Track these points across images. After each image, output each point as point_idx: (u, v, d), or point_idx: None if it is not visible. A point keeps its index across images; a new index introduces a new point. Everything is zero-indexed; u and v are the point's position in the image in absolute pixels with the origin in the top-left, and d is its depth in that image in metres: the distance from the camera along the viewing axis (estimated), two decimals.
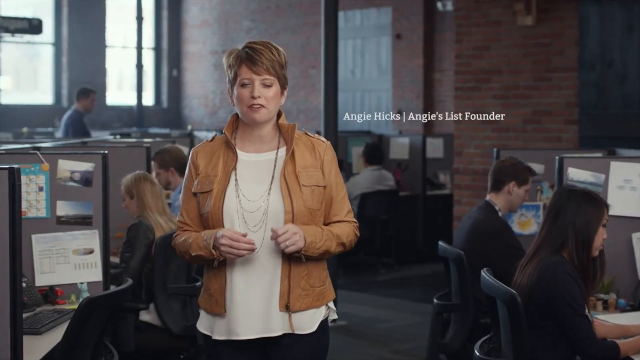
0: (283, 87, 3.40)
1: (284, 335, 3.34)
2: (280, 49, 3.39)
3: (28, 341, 3.69)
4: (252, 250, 3.25)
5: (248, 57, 3.33)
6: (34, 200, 4.63)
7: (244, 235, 3.24)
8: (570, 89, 8.79)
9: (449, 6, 13.47)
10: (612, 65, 8.52)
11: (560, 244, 3.91)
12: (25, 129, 13.76)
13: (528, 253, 4.03)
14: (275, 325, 3.32)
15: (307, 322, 3.37)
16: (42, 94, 17.51)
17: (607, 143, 7.90)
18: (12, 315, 3.23)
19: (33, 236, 4.61)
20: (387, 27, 14.80)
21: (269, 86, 3.34)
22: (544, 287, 3.83)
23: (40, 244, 4.62)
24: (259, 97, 3.32)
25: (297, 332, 3.34)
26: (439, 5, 13.88)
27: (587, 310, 3.87)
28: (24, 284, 4.38)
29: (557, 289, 3.81)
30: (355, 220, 3.50)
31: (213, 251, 3.27)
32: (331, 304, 3.46)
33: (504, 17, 9.18)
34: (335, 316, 3.50)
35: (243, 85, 3.34)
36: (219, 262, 3.31)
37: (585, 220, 3.91)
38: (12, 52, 17.14)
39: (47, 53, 17.49)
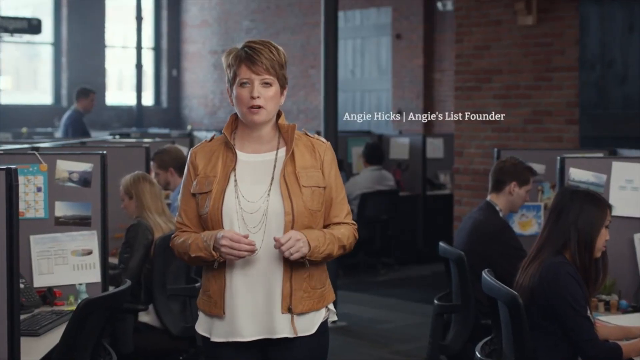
0: (283, 87, 3.37)
1: (285, 337, 3.31)
2: (280, 48, 3.36)
3: (26, 343, 3.67)
4: (253, 251, 3.22)
5: (247, 57, 3.30)
6: (32, 200, 4.61)
7: (246, 237, 3.22)
8: (570, 88, 8.77)
9: (449, 6, 13.46)
10: (612, 65, 8.50)
11: (562, 244, 3.89)
12: (24, 129, 13.75)
13: (530, 254, 4.00)
14: (278, 327, 3.30)
15: (308, 324, 3.34)
16: (41, 94, 17.48)
17: (608, 143, 7.88)
18: (9, 317, 3.21)
19: (31, 237, 4.58)
20: (387, 27, 14.78)
21: (268, 86, 3.32)
22: (546, 287, 3.81)
23: (38, 245, 4.60)
24: (258, 97, 3.29)
25: (298, 334, 3.32)
26: (439, 5, 13.86)
27: (589, 312, 3.85)
28: (22, 285, 4.37)
29: (558, 290, 3.78)
30: (354, 222, 3.47)
31: (213, 252, 3.24)
32: (331, 306, 3.43)
33: (505, 16, 9.16)
34: (334, 318, 3.48)
35: (242, 85, 3.31)
36: (219, 264, 3.28)
37: (588, 221, 3.88)
38: (12, 52, 17.12)
39: (46, 53, 17.47)
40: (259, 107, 3.30)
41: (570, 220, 3.89)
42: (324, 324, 3.40)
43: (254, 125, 3.35)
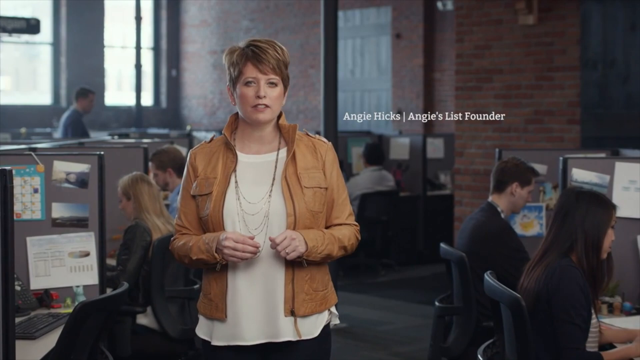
0: (286, 87, 3.33)
1: (287, 340, 3.26)
2: (284, 48, 3.32)
3: (22, 346, 3.63)
4: (256, 253, 3.17)
5: (254, 55, 3.25)
6: (28, 202, 4.56)
7: (251, 238, 3.17)
8: (572, 88, 8.72)
9: (449, 5, 13.42)
10: (614, 65, 8.45)
11: (569, 247, 3.84)
12: (23, 130, 13.70)
13: (535, 256, 3.95)
14: (281, 331, 3.25)
15: (310, 327, 3.30)
16: (40, 95, 17.45)
17: (610, 143, 7.83)
18: (4, 320, 3.15)
19: (28, 238, 4.54)
20: (386, 27, 14.74)
21: (274, 86, 3.27)
22: (550, 290, 3.76)
23: (35, 247, 4.55)
24: (264, 96, 3.24)
25: (301, 337, 3.27)
26: (439, 4, 13.82)
27: (594, 316, 3.80)
28: (18, 288, 4.33)
29: (560, 294, 3.74)
30: (357, 223, 3.42)
31: (215, 254, 3.19)
32: (333, 309, 3.39)
33: (506, 15, 9.11)
34: (337, 321, 3.43)
35: (247, 83, 3.26)
36: (221, 266, 3.23)
37: (595, 223, 3.84)
38: (11, 52, 17.08)
39: (45, 53, 17.44)
40: (265, 105, 3.25)
41: (576, 222, 3.84)
42: (326, 327, 3.35)
43: (257, 124, 3.30)
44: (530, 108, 9.01)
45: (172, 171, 6.56)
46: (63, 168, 4.62)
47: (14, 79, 17.74)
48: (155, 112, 18.66)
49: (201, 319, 3.37)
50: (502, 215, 5.52)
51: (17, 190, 4.46)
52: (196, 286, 5.46)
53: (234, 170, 3.29)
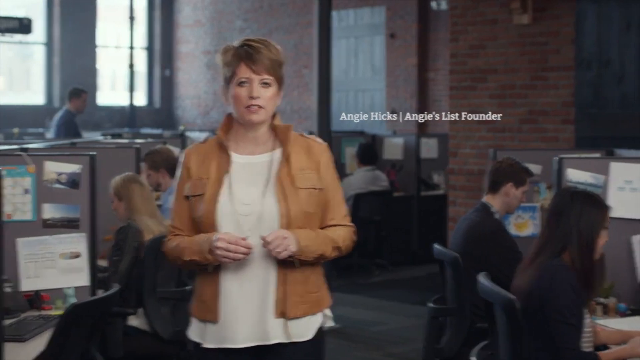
0: (280, 87, 3.30)
1: (279, 342, 3.23)
2: (278, 47, 3.29)
3: (11, 348, 3.60)
4: (248, 254, 3.14)
5: (248, 56, 3.22)
6: (19, 202, 4.52)
7: (243, 239, 3.14)
8: (566, 88, 8.70)
9: (443, 5, 13.40)
10: (609, 64, 8.43)
11: (562, 247, 3.82)
12: (16, 130, 13.66)
13: (528, 256, 3.93)
14: (272, 333, 3.22)
15: (303, 329, 3.27)
16: (33, 94, 17.40)
17: (604, 143, 7.81)
18: None
19: (18, 240, 4.51)
20: (380, 27, 14.72)
21: (267, 86, 3.24)
22: (542, 290, 3.74)
23: (25, 248, 4.52)
24: (257, 97, 3.21)
25: (293, 339, 3.24)
26: (433, 4, 13.80)
27: (588, 317, 3.78)
28: (8, 289, 4.30)
29: (552, 294, 3.72)
30: (353, 224, 3.39)
31: (208, 256, 3.16)
32: (327, 311, 3.36)
33: (500, 15, 9.09)
34: (331, 323, 3.41)
35: (241, 84, 3.23)
36: (213, 268, 3.20)
37: (589, 223, 3.82)
38: (5, 52, 17.03)
39: (39, 53, 17.40)
40: (258, 106, 3.22)
41: (571, 222, 3.82)
42: (320, 329, 3.32)
43: (251, 125, 3.28)
44: (525, 108, 8.99)
45: (165, 172, 6.53)
46: (54, 168, 4.59)
47: (7, 79, 17.69)
48: (149, 112, 18.61)
49: (193, 321, 3.34)
50: (497, 216, 5.50)
51: (7, 191, 4.43)
52: (188, 287, 5.43)
53: (228, 171, 3.26)
